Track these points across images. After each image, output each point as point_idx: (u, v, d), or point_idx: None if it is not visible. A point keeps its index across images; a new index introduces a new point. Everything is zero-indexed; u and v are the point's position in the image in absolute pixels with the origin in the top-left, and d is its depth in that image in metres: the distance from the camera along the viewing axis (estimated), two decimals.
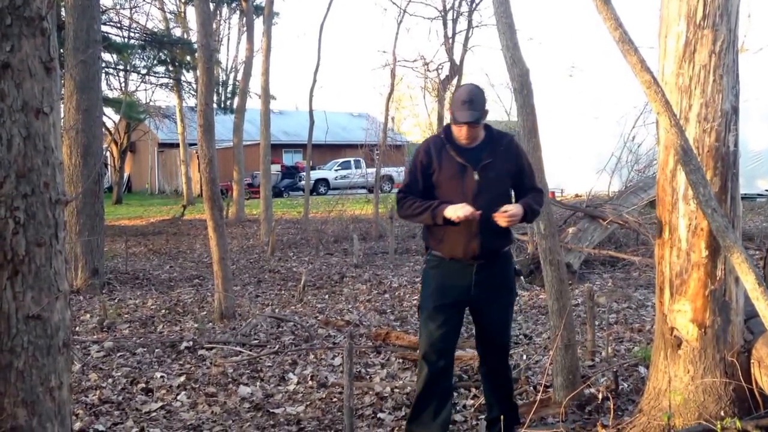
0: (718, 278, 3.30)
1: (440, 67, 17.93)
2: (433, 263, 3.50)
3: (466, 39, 17.91)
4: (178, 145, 28.31)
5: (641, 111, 9.75)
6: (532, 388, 4.31)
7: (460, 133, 3.37)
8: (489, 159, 3.38)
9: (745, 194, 14.12)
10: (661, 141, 3.52)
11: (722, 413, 3.18)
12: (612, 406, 3.52)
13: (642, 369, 4.46)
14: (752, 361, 3.26)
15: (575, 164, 17.95)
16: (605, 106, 16.64)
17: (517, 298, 4.17)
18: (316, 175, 29.37)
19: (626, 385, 4.24)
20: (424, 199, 3.40)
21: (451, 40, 17.54)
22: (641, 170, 10.54)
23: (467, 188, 3.35)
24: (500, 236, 3.42)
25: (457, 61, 17.61)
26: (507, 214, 3.26)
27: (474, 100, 3.32)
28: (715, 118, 3.31)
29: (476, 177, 3.35)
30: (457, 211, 3.25)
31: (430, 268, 3.52)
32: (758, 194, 15.49)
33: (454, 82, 17.50)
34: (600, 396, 3.88)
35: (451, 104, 3.40)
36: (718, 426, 2.98)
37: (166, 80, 22.33)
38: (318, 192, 29.02)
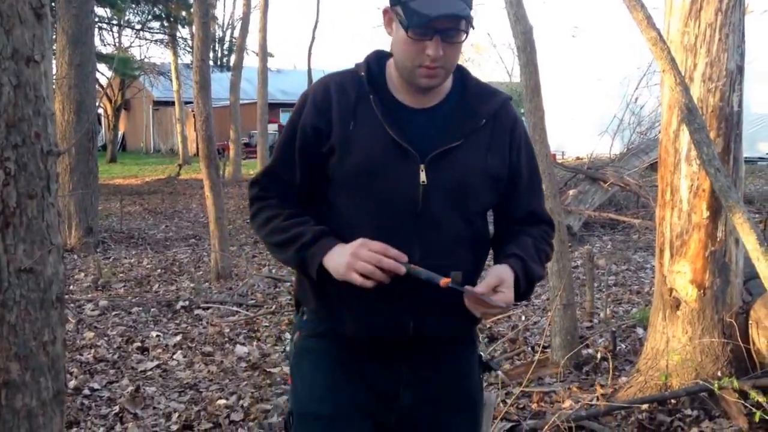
0: (718, 239, 3.28)
1: None
2: (315, 340, 1.71)
3: None
4: (173, 103, 28.03)
5: (644, 72, 9.64)
6: (530, 348, 4.32)
7: (421, 57, 1.54)
8: (455, 140, 1.59)
9: (747, 158, 14.09)
10: (664, 101, 3.47)
11: (719, 373, 3.19)
12: (610, 366, 3.53)
13: (640, 330, 4.47)
14: (750, 322, 3.27)
15: (577, 126, 17.86)
16: (608, 67, 16.49)
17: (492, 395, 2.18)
18: None
19: (624, 346, 4.25)
20: (298, 208, 1.67)
21: None
22: (643, 132, 10.46)
23: (399, 202, 1.58)
24: (455, 310, 1.57)
25: None
26: (484, 294, 1.51)
27: None
28: (720, 78, 3.27)
29: (422, 178, 1.57)
30: (355, 262, 1.51)
31: (308, 351, 1.72)
32: (759, 157, 15.45)
33: None
34: (598, 356, 3.89)
35: None
36: (716, 385, 2.99)
37: (161, 36, 22.07)
38: None
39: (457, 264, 1.55)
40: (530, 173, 1.72)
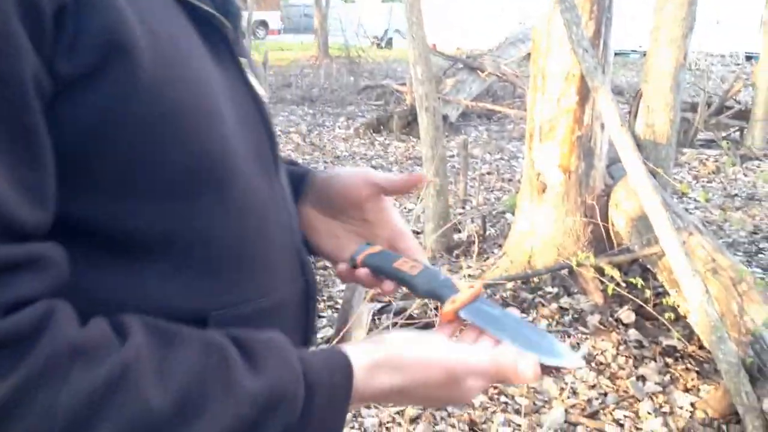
0: (585, 125, 3.35)
1: None
2: None
3: None
4: None
5: None
6: None
7: None
8: None
9: (619, 50, 14.51)
10: None
11: (579, 253, 3.33)
12: (477, 249, 3.61)
13: (509, 216, 4.59)
14: (611, 204, 3.40)
15: (457, 16, 17.76)
16: None
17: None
18: None
19: (494, 231, 4.37)
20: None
21: None
22: (522, 22, 10.51)
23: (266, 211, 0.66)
24: None
25: None
26: None
27: None
28: None
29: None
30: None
31: None
32: (632, 50, 15.91)
33: None
34: (467, 240, 3.98)
35: None
36: (574, 261, 3.12)
37: None
38: None
39: None
40: None
